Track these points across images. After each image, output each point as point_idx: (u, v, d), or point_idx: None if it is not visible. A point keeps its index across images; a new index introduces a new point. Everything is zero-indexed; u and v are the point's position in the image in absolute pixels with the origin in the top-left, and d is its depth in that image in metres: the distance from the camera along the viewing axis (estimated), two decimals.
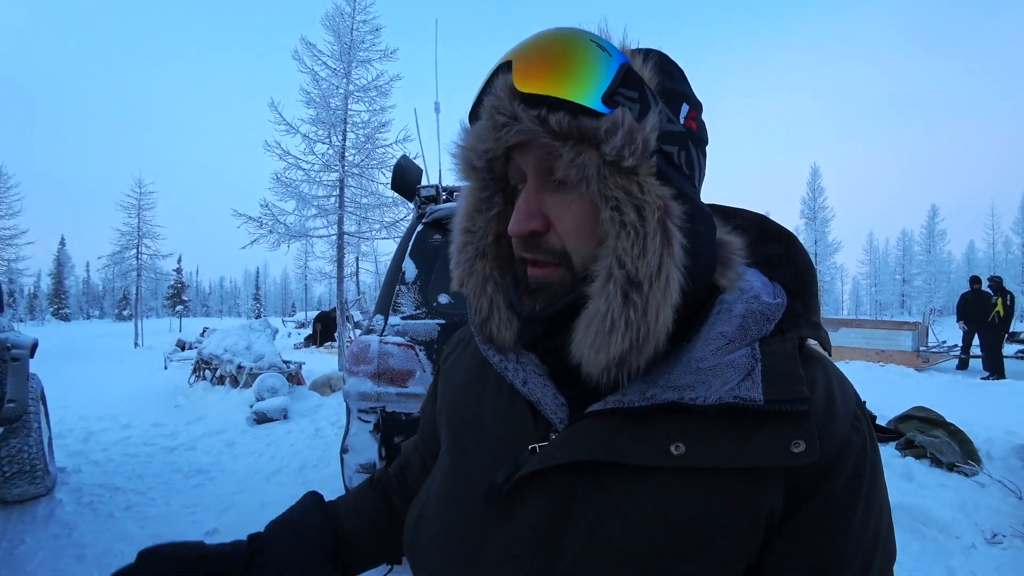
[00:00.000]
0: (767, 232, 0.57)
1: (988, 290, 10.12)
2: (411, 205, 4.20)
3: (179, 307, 40.83)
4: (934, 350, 10.98)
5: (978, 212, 57.62)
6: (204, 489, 3.71)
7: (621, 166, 0.44)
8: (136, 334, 19.53)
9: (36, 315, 58.70)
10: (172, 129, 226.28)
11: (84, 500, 3.38)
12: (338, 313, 10.30)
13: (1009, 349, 10.34)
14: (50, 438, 3.78)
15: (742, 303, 0.49)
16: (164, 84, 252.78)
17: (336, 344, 12.19)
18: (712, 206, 0.55)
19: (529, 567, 0.46)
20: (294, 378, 7.06)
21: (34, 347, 3.44)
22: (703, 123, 0.52)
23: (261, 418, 5.53)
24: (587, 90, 0.44)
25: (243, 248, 10.03)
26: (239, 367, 6.99)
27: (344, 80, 10.47)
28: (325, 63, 10.41)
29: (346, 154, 10.26)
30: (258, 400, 5.94)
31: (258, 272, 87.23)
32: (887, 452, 3.73)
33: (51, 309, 61.36)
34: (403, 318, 2.31)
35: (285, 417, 5.64)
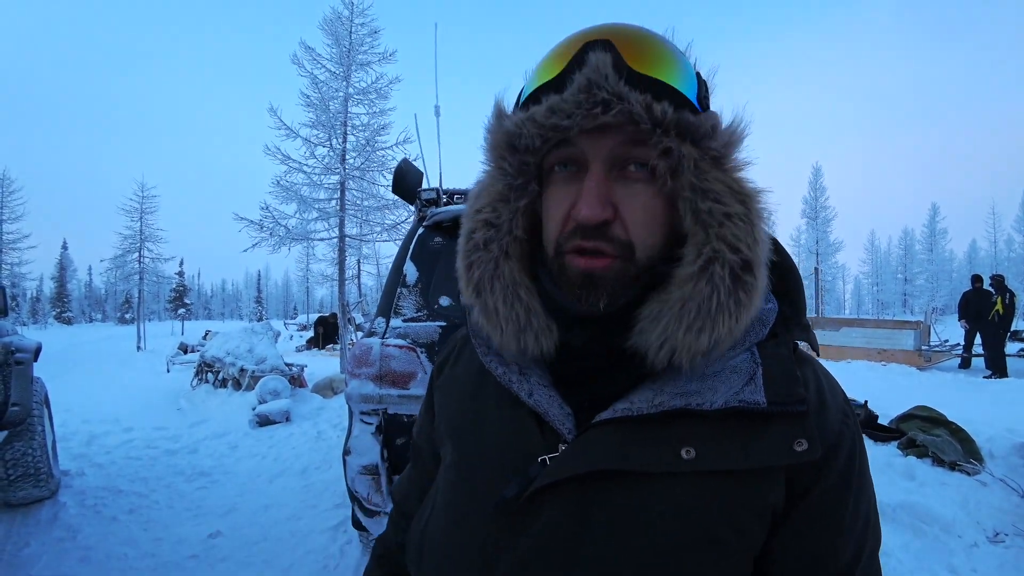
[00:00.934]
0: None
1: (990, 288, 10.10)
2: (412, 208, 4.22)
3: (181, 310, 40.82)
4: (936, 349, 10.94)
5: (980, 210, 57.64)
6: (207, 492, 3.73)
7: (722, 163, 0.46)
8: (138, 337, 19.55)
9: (39, 319, 58.68)
10: (174, 133, 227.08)
11: (88, 503, 3.40)
12: (340, 316, 10.32)
13: (1011, 348, 10.29)
14: (54, 441, 3.80)
15: None
16: (166, 89, 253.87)
17: (338, 347, 12.21)
18: None
19: None
20: (296, 381, 7.06)
21: (38, 351, 3.46)
22: None
23: (263, 421, 5.54)
24: (689, 86, 0.46)
25: (245, 251, 10.04)
26: (241, 370, 7.00)
27: (344, 83, 10.49)
28: (324, 66, 10.44)
29: (347, 157, 10.27)
30: (260, 403, 5.94)
31: (260, 275, 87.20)
32: (889, 451, 3.73)
33: (54, 313, 61.47)
34: (404, 320, 2.32)
35: (287, 420, 5.65)
